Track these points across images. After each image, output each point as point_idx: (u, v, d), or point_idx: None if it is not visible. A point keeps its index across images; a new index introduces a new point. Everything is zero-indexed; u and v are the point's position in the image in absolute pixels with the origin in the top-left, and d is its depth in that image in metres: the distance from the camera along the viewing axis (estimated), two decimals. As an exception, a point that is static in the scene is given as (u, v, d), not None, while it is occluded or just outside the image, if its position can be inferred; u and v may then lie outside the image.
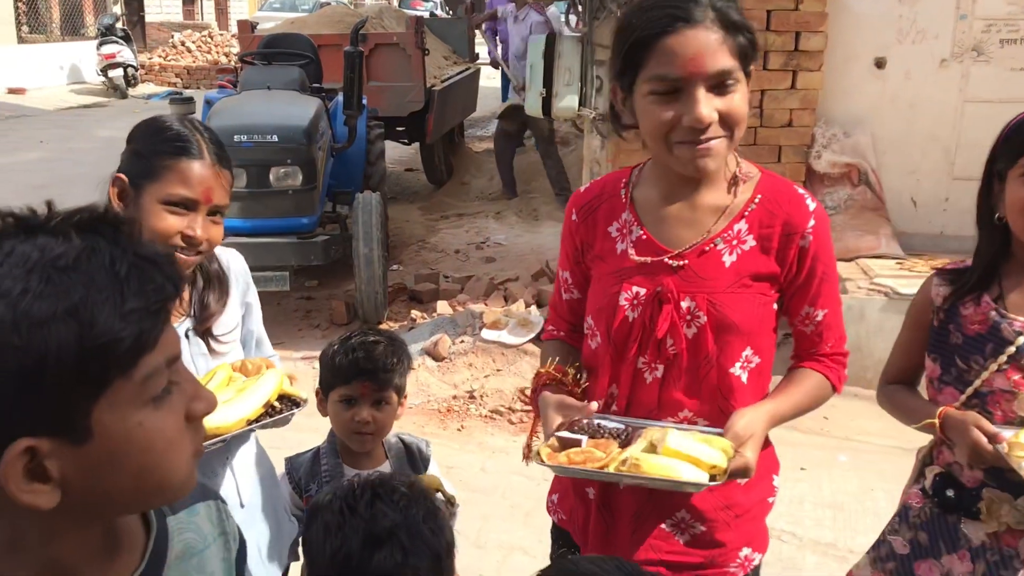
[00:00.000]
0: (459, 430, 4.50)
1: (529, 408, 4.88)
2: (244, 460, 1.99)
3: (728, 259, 1.62)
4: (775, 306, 1.68)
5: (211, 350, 1.86)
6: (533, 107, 4.99)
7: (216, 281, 1.89)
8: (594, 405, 1.62)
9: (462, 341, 5.28)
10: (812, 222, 1.63)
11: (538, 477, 3.97)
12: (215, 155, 1.77)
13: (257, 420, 1.80)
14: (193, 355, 1.85)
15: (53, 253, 0.75)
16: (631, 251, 1.67)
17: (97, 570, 0.88)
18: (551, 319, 1.95)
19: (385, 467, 2.13)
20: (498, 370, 5.02)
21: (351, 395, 2.02)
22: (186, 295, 1.87)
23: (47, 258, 0.75)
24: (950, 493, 1.86)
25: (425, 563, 1.23)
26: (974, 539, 1.82)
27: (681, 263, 1.63)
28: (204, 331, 1.85)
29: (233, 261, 2.00)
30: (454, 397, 4.78)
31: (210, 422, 1.57)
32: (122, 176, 1.76)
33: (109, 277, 0.76)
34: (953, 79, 5.08)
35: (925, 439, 1.96)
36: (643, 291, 1.63)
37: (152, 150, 1.75)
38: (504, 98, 11.28)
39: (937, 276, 1.90)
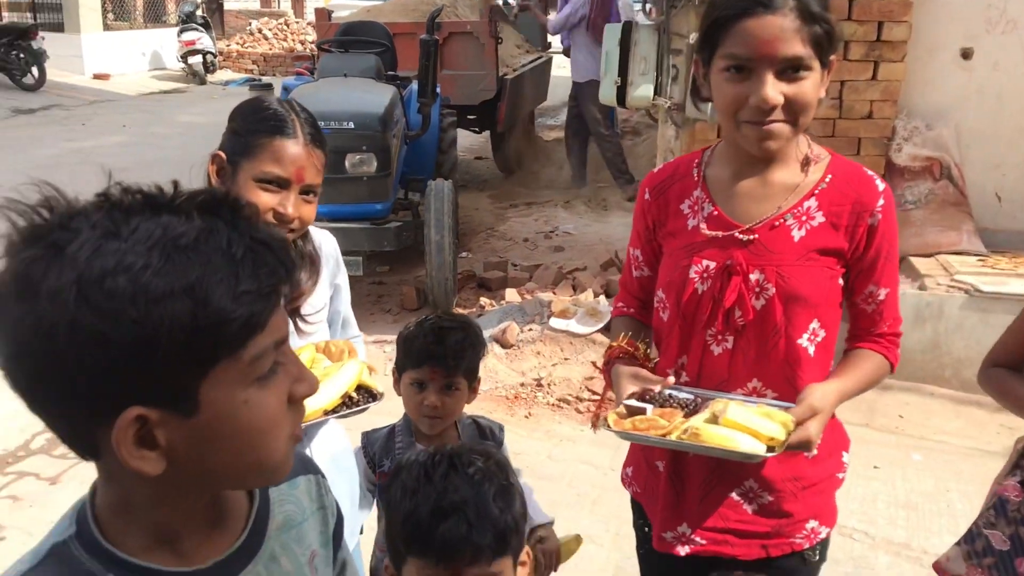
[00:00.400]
0: (526, 417, 4.53)
1: (597, 397, 4.89)
2: (322, 435, 2.04)
3: (797, 234, 1.69)
4: (840, 281, 1.73)
5: (298, 330, 1.90)
6: (608, 96, 4.96)
7: (308, 261, 1.94)
8: (671, 379, 1.71)
9: (530, 329, 5.30)
10: (881, 201, 1.69)
11: (604, 466, 3.98)
12: (308, 135, 1.81)
13: (335, 411, 1.83)
14: None
15: (175, 232, 0.78)
16: (702, 226, 1.74)
17: (202, 536, 0.92)
18: (621, 296, 2.03)
19: None
20: (565, 359, 5.03)
21: (421, 379, 2.06)
22: None
23: (168, 236, 0.78)
24: None
25: (488, 539, 1.26)
26: None
27: (751, 237, 1.70)
28: (292, 310, 1.89)
29: (325, 242, 2.04)
30: (521, 384, 4.81)
31: None
32: (220, 153, 1.83)
33: (225, 259, 0.79)
34: (1044, 70, 4.90)
35: (1006, 435, 1.90)
36: (713, 264, 1.70)
37: (248, 129, 1.81)
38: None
39: None
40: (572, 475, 3.95)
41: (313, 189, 1.83)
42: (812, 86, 1.59)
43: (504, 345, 5.18)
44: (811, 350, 1.71)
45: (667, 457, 1.81)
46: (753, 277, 1.68)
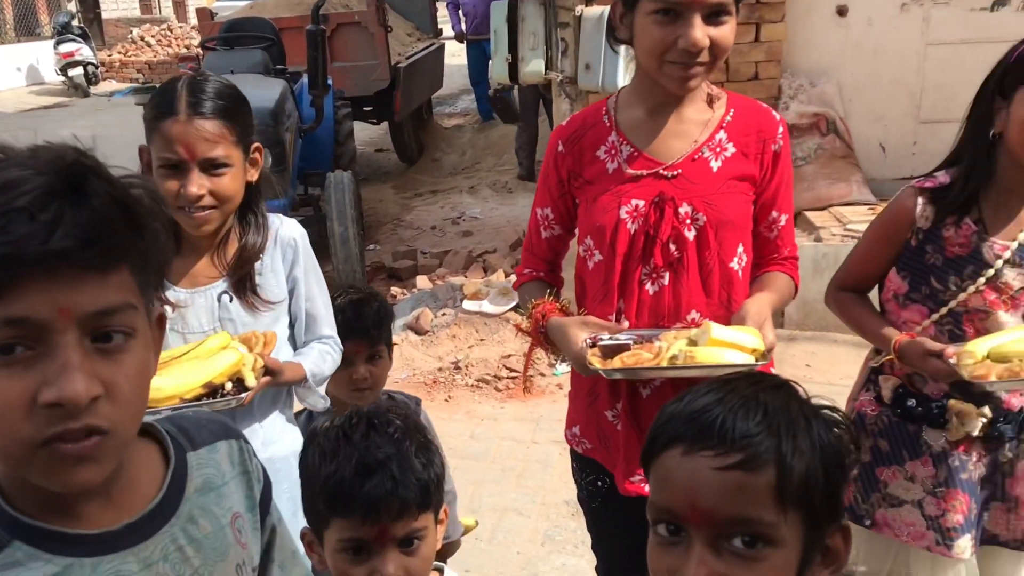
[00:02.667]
0: (446, 400, 4.52)
1: (516, 375, 4.87)
2: (280, 437, 1.96)
3: (715, 164, 1.77)
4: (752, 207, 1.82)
5: (251, 307, 1.84)
6: (500, 73, 4.96)
7: (253, 232, 1.86)
8: (625, 323, 1.76)
9: (444, 314, 5.28)
10: (781, 129, 1.81)
11: (527, 440, 4.01)
12: (190, 107, 1.71)
13: (196, 399, 1.71)
14: (222, 319, 1.83)
15: None
16: (625, 167, 1.78)
17: (101, 501, 0.89)
18: (526, 262, 2.03)
19: None
20: (481, 340, 5.03)
21: (346, 354, 2.02)
22: (226, 255, 1.84)
23: None
24: (912, 403, 1.94)
25: (413, 494, 1.26)
26: (935, 446, 1.92)
27: (675, 172, 1.76)
28: (241, 289, 1.82)
29: (284, 228, 1.94)
30: (439, 369, 4.79)
31: None
32: (143, 146, 1.78)
33: None
34: (915, 23, 5.10)
35: None
36: (642, 202, 1.76)
37: (146, 116, 1.75)
38: (473, 74, 11.20)
39: (920, 195, 1.87)
40: (495, 452, 3.96)
41: (218, 162, 1.73)
42: (731, 30, 1.66)
43: (419, 332, 5.15)
44: (740, 273, 1.81)
45: (623, 404, 1.84)
46: (683, 210, 1.74)
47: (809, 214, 5.04)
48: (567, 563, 3.12)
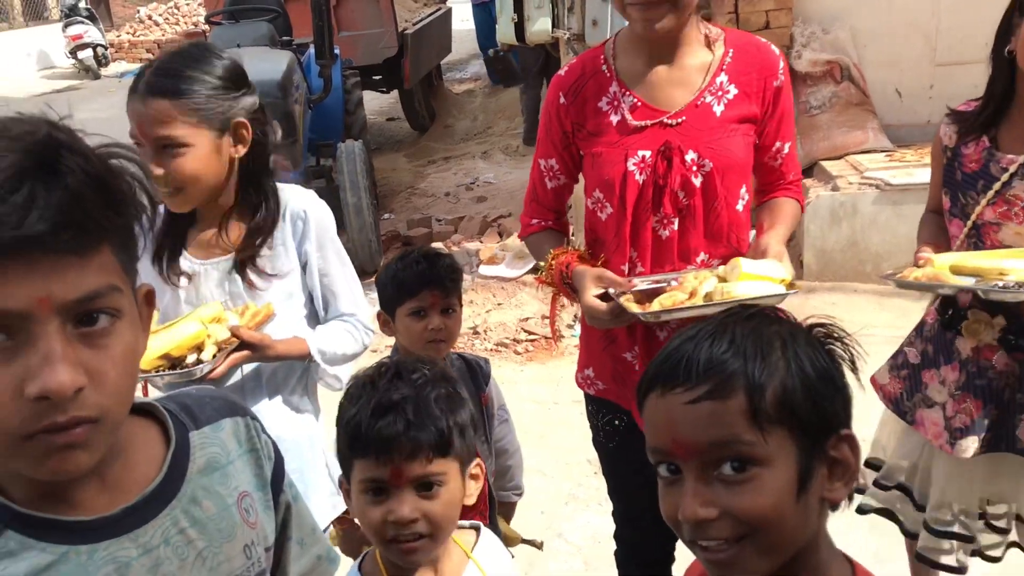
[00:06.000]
0: (466, 366, 4.53)
1: (534, 337, 4.87)
2: (278, 404, 1.92)
3: (717, 109, 1.79)
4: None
5: (250, 286, 1.81)
6: (506, 34, 4.91)
7: (254, 208, 1.82)
8: (636, 280, 1.80)
9: (460, 279, 5.28)
10: (782, 64, 1.84)
11: (548, 402, 4.01)
12: (145, 85, 1.67)
13: (156, 371, 1.67)
14: (232, 293, 1.81)
15: None
16: (629, 118, 1.80)
17: (96, 487, 0.87)
18: (533, 212, 2.03)
19: None
20: (499, 304, 5.03)
21: (420, 306, 2.00)
22: (229, 230, 1.82)
23: None
24: (948, 312, 2.05)
25: (428, 437, 1.26)
26: (963, 352, 2.02)
27: (679, 120, 1.78)
28: (245, 261, 1.79)
29: (293, 201, 1.87)
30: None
31: None
32: None
33: None
34: (929, -38, 4.99)
35: None
36: (648, 153, 1.78)
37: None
38: (481, 37, 11.09)
39: (947, 116, 2.04)
40: (517, 415, 3.90)
41: (172, 141, 1.67)
42: None
43: (436, 299, 5.15)
44: (743, 214, 1.85)
45: (638, 344, 1.88)
46: (689, 157, 1.76)
47: (825, 163, 4.98)
48: (591, 521, 3.13)
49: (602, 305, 1.75)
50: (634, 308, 1.69)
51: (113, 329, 0.81)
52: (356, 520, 2.09)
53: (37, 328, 0.75)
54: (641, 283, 1.78)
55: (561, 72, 1.92)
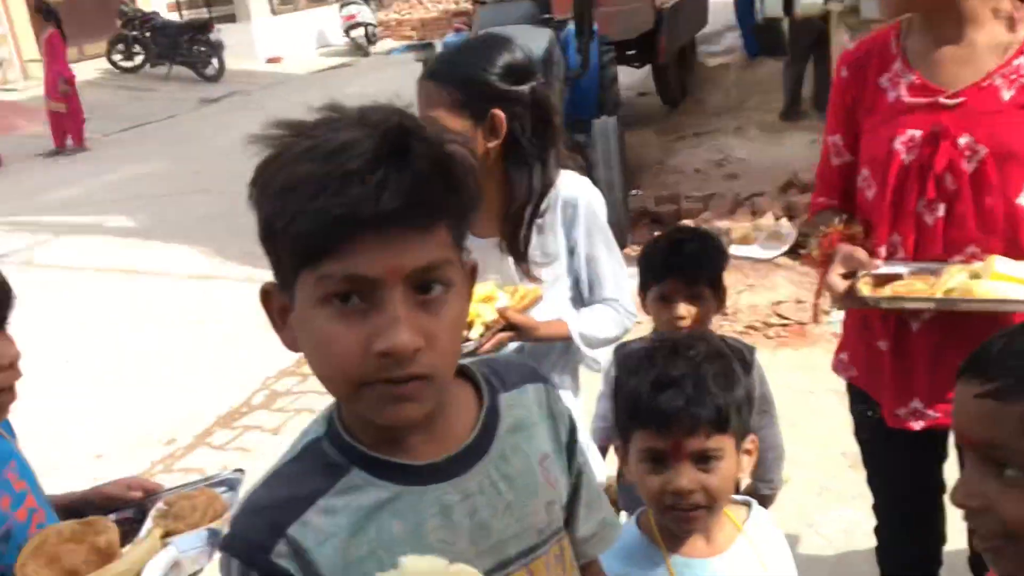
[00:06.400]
0: (714, 347, 4.47)
1: (787, 322, 4.73)
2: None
3: (1007, 93, 1.67)
4: None
5: (527, 272, 1.88)
6: (773, 6, 4.74)
7: (535, 198, 1.87)
8: (878, 262, 1.73)
9: (711, 259, 5.20)
10: None
11: (803, 390, 3.89)
12: (429, 72, 1.82)
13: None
14: (502, 271, 1.88)
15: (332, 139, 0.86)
16: (905, 95, 1.73)
17: (426, 436, 0.97)
18: (820, 190, 2.00)
19: None
20: (750, 285, 4.92)
21: (665, 292, 2.02)
22: (495, 208, 1.87)
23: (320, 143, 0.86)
24: None
25: (707, 413, 1.30)
26: None
27: (958, 100, 1.69)
28: (513, 247, 1.86)
29: (565, 187, 1.91)
30: (707, 315, 4.74)
31: None
32: None
33: (327, 171, 0.84)
34: None
35: None
36: (918, 133, 1.70)
37: None
38: (739, 9, 10.77)
39: None
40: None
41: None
42: None
43: (685, 277, 5.11)
44: None
45: (891, 334, 1.81)
46: (962, 141, 1.67)
47: None
48: (843, 515, 3.02)
49: (839, 284, 1.71)
50: (865, 290, 1.64)
51: (446, 298, 0.90)
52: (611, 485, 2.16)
53: (386, 293, 0.86)
54: (892, 268, 1.70)
55: (850, 46, 1.88)
